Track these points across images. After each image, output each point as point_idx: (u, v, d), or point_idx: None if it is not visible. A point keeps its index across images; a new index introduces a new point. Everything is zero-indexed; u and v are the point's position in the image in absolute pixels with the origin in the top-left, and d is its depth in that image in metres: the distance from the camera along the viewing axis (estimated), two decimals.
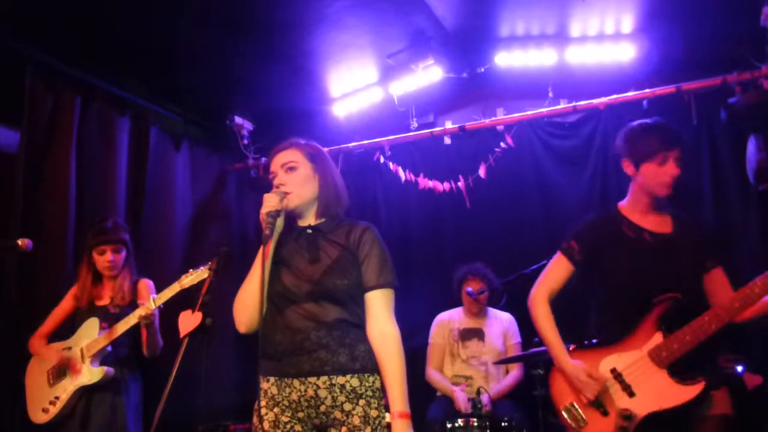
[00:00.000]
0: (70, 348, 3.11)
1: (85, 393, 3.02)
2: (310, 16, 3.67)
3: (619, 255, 2.39)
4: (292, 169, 2.08)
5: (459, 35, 4.01)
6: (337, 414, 1.91)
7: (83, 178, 3.79)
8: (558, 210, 4.21)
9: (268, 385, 1.97)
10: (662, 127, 2.41)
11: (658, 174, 2.35)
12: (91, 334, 3.08)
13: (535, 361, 3.33)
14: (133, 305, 3.15)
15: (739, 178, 3.70)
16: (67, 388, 3.03)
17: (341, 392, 1.91)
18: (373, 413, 1.92)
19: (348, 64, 4.29)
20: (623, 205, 2.49)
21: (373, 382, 1.96)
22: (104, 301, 3.22)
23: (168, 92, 4.46)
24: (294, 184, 2.06)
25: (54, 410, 3.01)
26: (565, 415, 2.38)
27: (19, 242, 2.72)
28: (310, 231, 2.09)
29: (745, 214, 3.72)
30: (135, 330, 3.10)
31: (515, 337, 3.86)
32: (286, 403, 1.93)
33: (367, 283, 2.02)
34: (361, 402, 1.92)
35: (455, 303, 4.00)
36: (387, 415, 1.93)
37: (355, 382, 1.93)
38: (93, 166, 3.88)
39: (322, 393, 1.91)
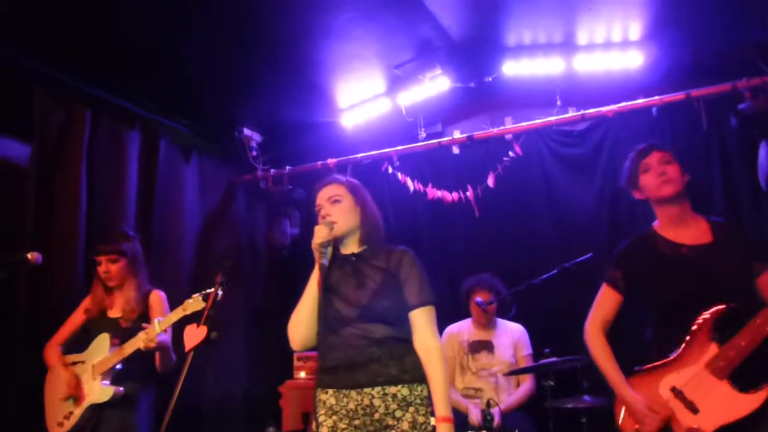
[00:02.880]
0: (83, 362, 3.15)
1: (96, 410, 3.04)
2: (317, 28, 3.69)
3: (661, 275, 2.39)
4: (336, 201, 2.32)
5: (466, 45, 4.00)
6: (389, 420, 2.12)
7: (93, 192, 3.82)
8: (568, 218, 4.19)
9: (326, 397, 2.18)
10: (636, 148, 2.55)
11: (650, 180, 2.43)
12: (101, 351, 3.11)
13: (546, 372, 3.30)
14: (143, 318, 3.15)
15: (750, 184, 3.66)
16: (80, 404, 3.06)
17: (393, 401, 2.13)
18: (421, 419, 2.14)
19: (355, 75, 4.30)
20: (656, 224, 2.50)
21: (421, 391, 2.18)
22: (116, 313, 3.22)
23: (177, 105, 4.49)
24: (339, 214, 2.29)
25: (68, 425, 3.04)
26: None
27: (29, 256, 2.74)
28: (354, 258, 2.31)
29: (757, 220, 3.67)
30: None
31: (526, 349, 3.81)
32: (343, 412, 2.15)
33: (410, 302, 2.24)
34: (411, 409, 2.14)
35: (465, 314, 3.97)
36: (432, 419, 2.14)
37: (405, 391, 2.15)
38: (103, 180, 3.91)
39: (377, 402, 2.13)
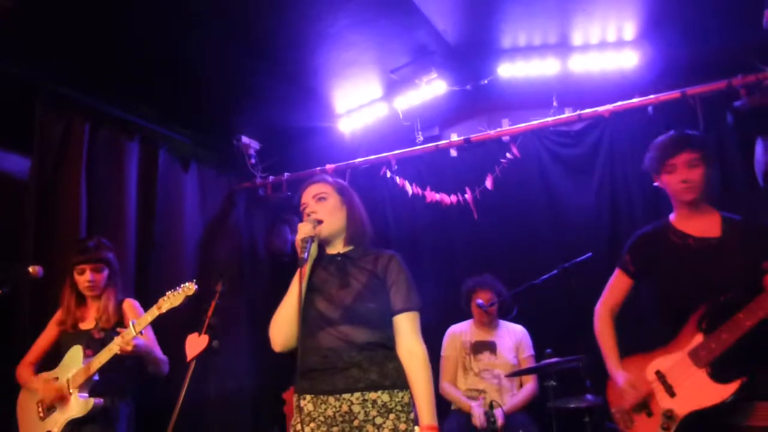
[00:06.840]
0: (57, 378, 3.01)
1: (75, 427, 2.91)
2: (314, 35, 3.71)
3: (666, 262, 2.47)
4: (322, 199, 2.27)
5: (461, 48, 4.02)
6: (369, 428, 2.04)
7: (94, 203, 3.83)
8: (567, 218, 4.20)
9: (304, 403, 2.12)
10: (669, 137, 2.51)
11: (673, 183, 2.45)
12: (75, 364, 2.99)
13: (548, 373, 3.31)
14: (117, 327, 3.03)
15: (747, 181, 3.67)
16: (58, 421, 2.93)
17: (373, 407, 2.06)
18: (402, 426, 2.06)
19: (352, 80, 4.32)
20: (672, 215, 2.56)
21: (402, 397, 2.10)
22: (88, 324, 3.13)
23: (175, 114, 4.50)
24: (324, 212, 2.24)
25: None
26: (616, 417, 2.52)
27: (30, 269, 2.76)
28: (339, 258, 2.25)
29: (755, 216, 3.67)
30: (123, 355, 2.94)
31: (528, 350, 3.82)
32: (321, 418, 2.07)
33: (395, 306, 2.18)
34: (391, 416, 2.06)
35: (466, 315, 3.98)
36: (416, 428, 2.06)
37: (385, 397, 2.08)
38: (103, 191, 3.92)
39: (356, 408, 2.05)
